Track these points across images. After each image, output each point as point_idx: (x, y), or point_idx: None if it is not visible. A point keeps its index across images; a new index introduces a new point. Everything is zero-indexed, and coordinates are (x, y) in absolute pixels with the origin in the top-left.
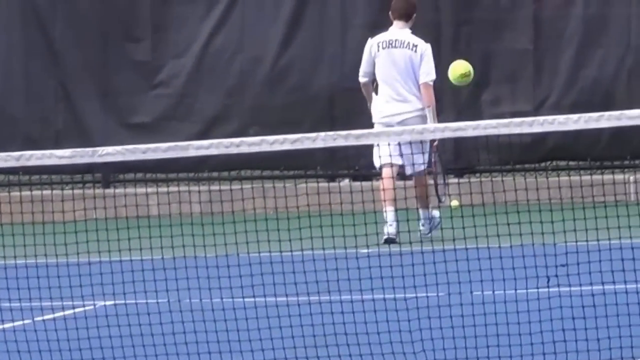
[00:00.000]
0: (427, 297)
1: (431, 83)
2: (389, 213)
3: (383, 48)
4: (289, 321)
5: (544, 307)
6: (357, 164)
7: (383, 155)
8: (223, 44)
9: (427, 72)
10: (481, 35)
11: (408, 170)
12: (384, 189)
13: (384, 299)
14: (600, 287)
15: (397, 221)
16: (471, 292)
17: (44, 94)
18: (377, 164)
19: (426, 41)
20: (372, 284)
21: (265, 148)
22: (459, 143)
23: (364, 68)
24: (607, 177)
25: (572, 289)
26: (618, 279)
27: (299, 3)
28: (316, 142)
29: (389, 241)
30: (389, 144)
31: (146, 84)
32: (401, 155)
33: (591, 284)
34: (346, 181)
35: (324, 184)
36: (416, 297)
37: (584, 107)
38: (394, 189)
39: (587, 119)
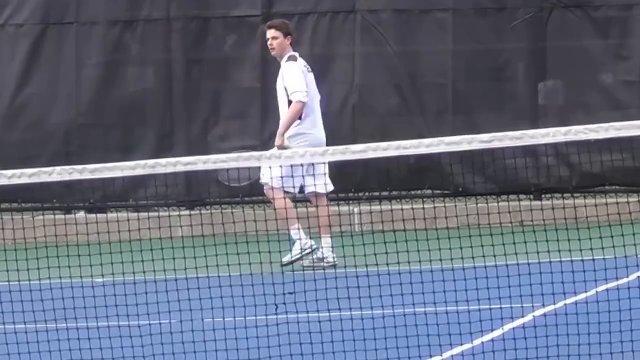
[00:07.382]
0: (159, 324)
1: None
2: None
3: (309, 71)
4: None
5: (272, 333)
6: (92, 197)
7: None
8: None
9: None
10: (210, 74)
11: (308, 189)
12: (286, 208)
13: (119, 327)
14: (320, 314)
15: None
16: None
17: None
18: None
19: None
20: (107, 312)
21: (4, 182)
22: (189, 177)
23: (305, 88)
24: (333, 208)
25: (299, 315)
26: (343, 306)
27: (35, 43)
28: (52, 176)
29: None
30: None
31: None
32: (303, 176)
33: (307, 311)
34: (81, 213)
35: (60, 216)
36: (150, 325)
37: None
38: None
39: (313, 153)
